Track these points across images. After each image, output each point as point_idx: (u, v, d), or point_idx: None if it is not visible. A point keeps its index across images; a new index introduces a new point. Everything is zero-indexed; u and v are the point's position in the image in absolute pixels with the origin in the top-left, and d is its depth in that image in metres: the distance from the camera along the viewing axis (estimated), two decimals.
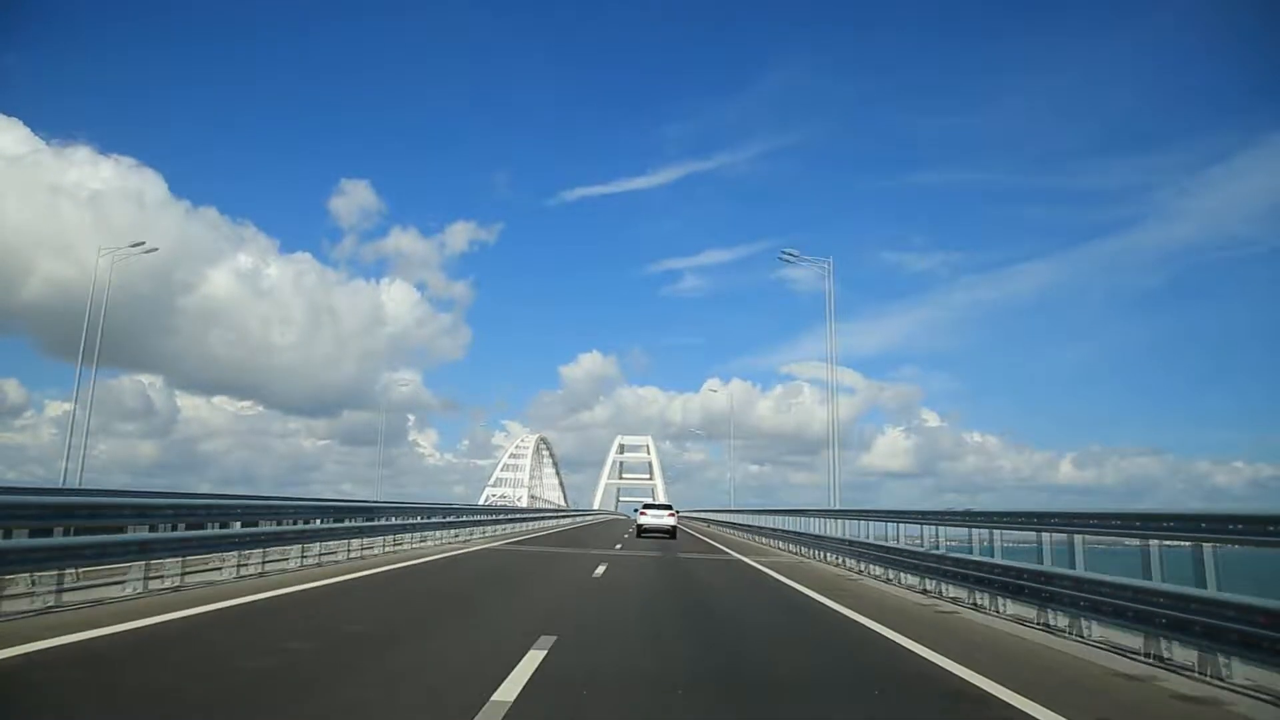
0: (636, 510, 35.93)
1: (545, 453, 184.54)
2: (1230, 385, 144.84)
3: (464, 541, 22.04)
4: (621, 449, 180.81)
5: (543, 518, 46.83)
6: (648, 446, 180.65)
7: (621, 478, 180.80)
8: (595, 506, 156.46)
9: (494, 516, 29.50)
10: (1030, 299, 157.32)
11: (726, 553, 22.55)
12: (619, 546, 23.12)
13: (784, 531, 24.60)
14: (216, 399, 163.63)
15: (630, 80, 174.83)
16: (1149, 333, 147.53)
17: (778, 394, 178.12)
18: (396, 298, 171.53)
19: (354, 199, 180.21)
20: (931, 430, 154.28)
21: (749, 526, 32.64)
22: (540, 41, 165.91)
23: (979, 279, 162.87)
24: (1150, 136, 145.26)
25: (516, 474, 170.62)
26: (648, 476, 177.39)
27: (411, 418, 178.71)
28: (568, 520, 56.69)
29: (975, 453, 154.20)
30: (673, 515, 32.94)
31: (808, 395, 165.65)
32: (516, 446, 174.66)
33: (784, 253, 24.92)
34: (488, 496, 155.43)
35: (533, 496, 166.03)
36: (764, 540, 27.94)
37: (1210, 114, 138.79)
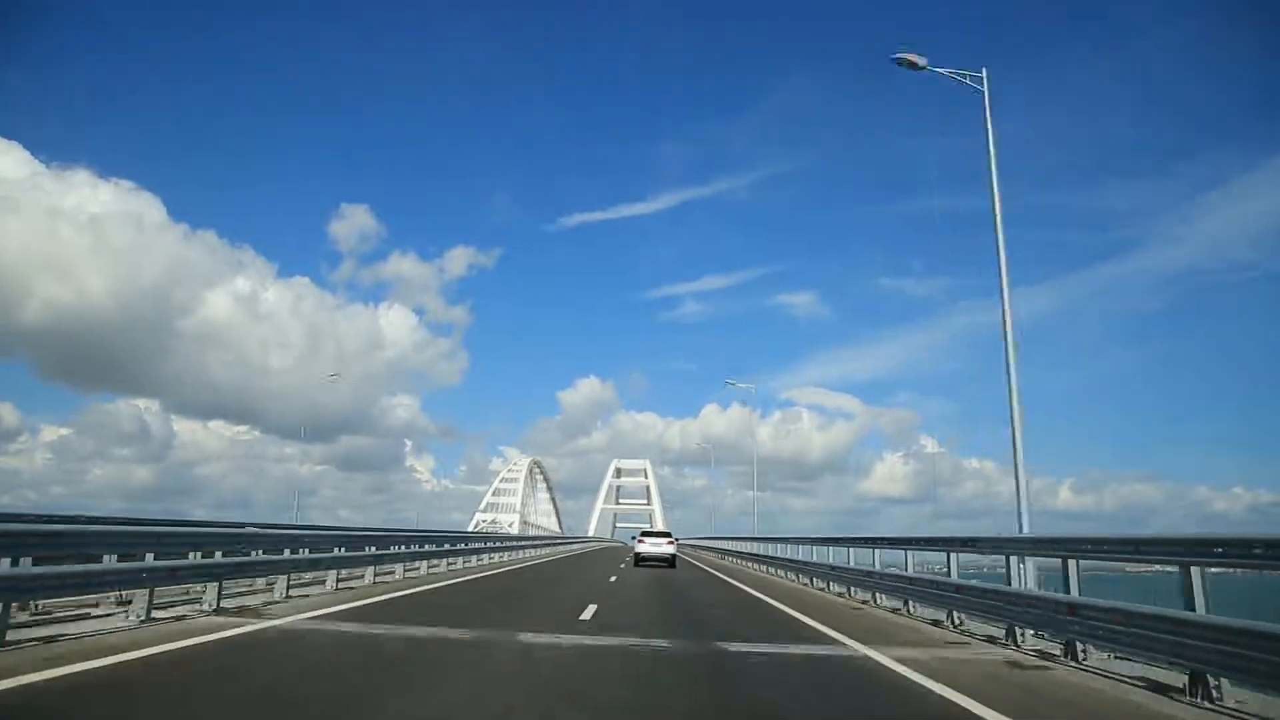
0: (634, 538, 33.78)
1: (539, 476, 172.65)
2: (1229, 410, 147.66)
3: (263, 608, 10.63)
4: (618, 473, 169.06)
5: (507, 548, 35.16)
6: (645, 470, 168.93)
7: (618, 503, 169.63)
8: (590, 533, 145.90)
9: (392, 550, 17.79)
10: (1028, 324, 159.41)
11: (839, 641, 9.93)
12: (589, 614, 11.39)
13: (918, 585, 12.88)
14: (213, 423, 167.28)
15: (629, 108, 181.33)
16: (1147, 357, 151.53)
17: (776, 420, 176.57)
18: (395, 322, 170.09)
19: (353, 223, 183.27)
20: (929, 456, 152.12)
21: (808, 565, 20.45)
22: (540, 68, 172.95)
23: (976, 304, 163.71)
24: (1149, 162, 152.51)
25: (509, 498, 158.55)
26: (645, 502, 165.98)
27: (409, 443, 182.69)
28: (547, 550, 44.94)
29: (973, 478, 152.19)
30: (672, 543, 30.99)
31: (806, 421, 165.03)
32: (509, 470, 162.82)
33: (899, 58, 13.45)
34: (478, 523, 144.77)
35: (525, 522, 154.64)
36: (861, 596, 15.74)
37: (1208, 139, 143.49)
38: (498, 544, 33.76)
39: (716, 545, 46.95)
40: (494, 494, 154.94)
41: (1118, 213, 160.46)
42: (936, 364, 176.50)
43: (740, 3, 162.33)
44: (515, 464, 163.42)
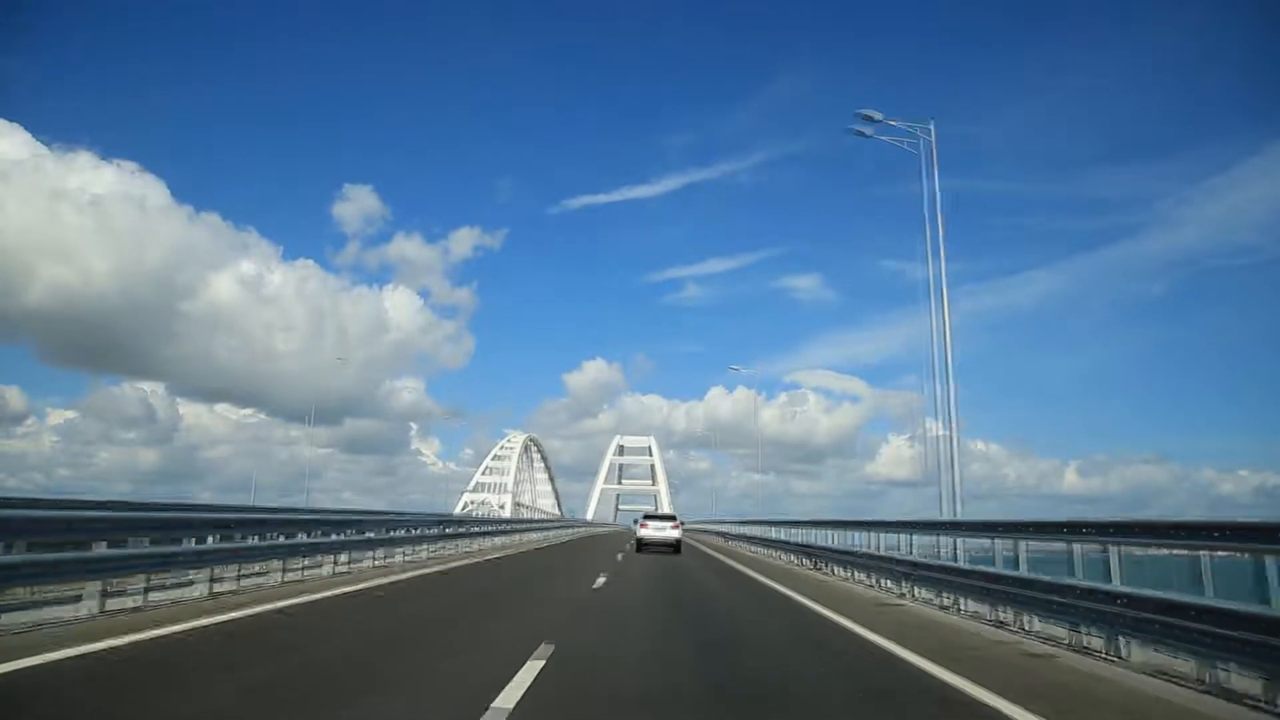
0: (637, 522, 32.57)
1: (536, 454, 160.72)
2: (1234, 393, 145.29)
3: None
4: (621, 450, 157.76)
5: (475, 534, 25.27)
6: (650, 448, 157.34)
7: (621, 483, 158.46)
8: (588, 517, 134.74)
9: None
10: (1033, 307, 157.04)
11: None
12: None
13: None
14: (218, 407, 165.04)
15: (632, 89, 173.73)
16: (1152, 340, 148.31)
17: (782, 402, 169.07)
18: (400, 304, 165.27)
19: (358, 204, 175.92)
20: (935, 438, 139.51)
21: (980, 582, 9.20)
22: (543, 48, 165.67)
23: (981, 287, 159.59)
24: (1153, 145, 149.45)
25: (501, 478, 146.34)
26: (650, 482, 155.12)
27: (414, 426, 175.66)
28: (535, 536, 33.58)
29: (979, 460, 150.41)
30: (677, 527, 29.83)
31: (813, 404, 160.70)
32: (500, 447, 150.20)
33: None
34: (466, 504, 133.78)
35: (519, 504, 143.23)
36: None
37: (1213, 123, 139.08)
38: (460, 530, 24.30)
39: (740, 532, 37.57)
40: (485, 472, 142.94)
41: (1120, 197, 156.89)
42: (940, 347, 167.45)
43: None
44: (509, 440, 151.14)
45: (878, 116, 18.37)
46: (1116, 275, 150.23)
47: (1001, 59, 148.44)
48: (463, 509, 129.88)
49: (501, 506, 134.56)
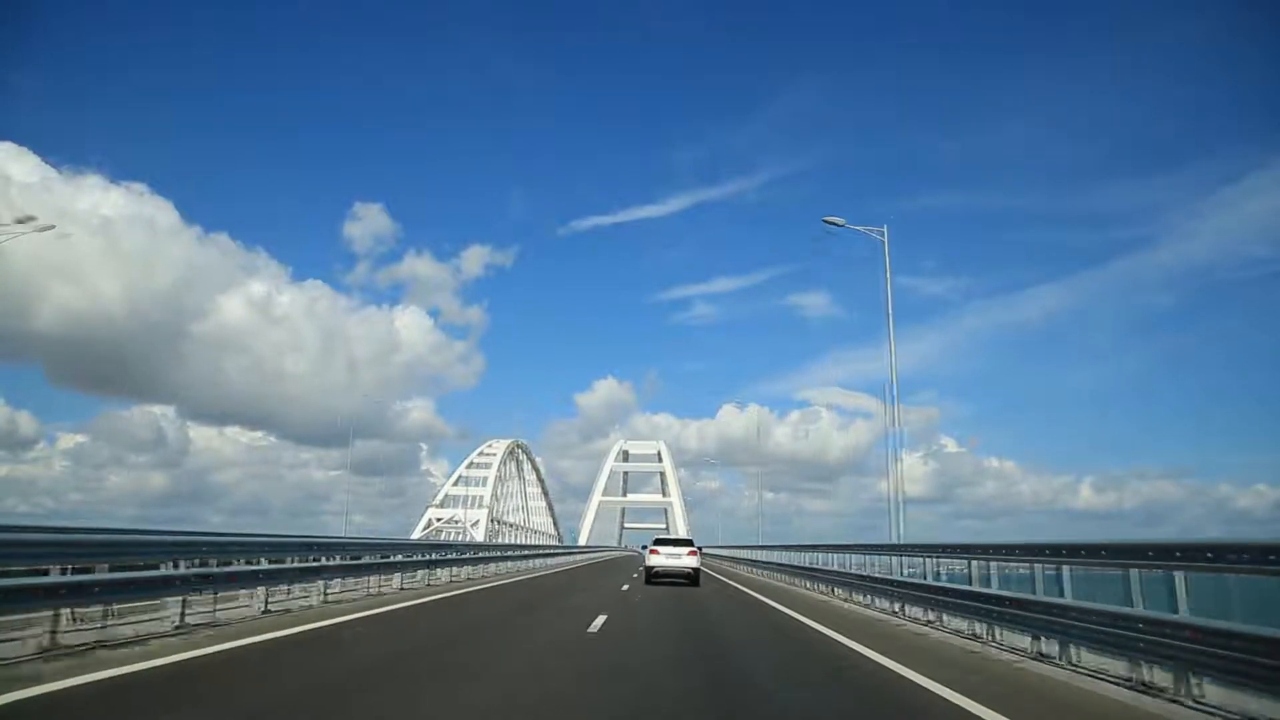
0: (646, 547, 28.42)
1: (525, 463, 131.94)
2: (1249, 406, 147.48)
3: None
4: (625, 456, 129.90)
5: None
6: (659, 454, 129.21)
7: (625, 496, 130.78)
8: (582, 540, 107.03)
9: None
10: (1043, 322, 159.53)
11: None
12: None
13: None
14: (228, 429, 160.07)
15: (640, 107, 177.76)
16: (1164, 354, 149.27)
17: (794, 420, 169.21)
18: (410, 324, 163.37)
19: (368, 223, 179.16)
20: (949, 455, 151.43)
21: None
22: (551, 66, 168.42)
23: (991, 303, 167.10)
24: (1162, 157, 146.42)
25: (478, 490, 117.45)
26: (660, 495, 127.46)
27: (424, 446, 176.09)
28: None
29: (994, 478, 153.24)
30: (694, 554, 26.59)
31: (825, 421, 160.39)
32: (479, 455, 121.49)
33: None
34: (430, 521, 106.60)
35: (497, 521, 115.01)
36: None
37: (1222, 134, 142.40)
38: None
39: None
40: (456, 484, 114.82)
41: (1130, 209, 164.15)
42: (953, 364, 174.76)
43: (750, 5, 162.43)
44: (489, 447, 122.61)
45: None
46: (1126, 288, 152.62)
47: (1006, 71, 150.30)
48: (425, 529, 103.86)
49: (475, 525, 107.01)
